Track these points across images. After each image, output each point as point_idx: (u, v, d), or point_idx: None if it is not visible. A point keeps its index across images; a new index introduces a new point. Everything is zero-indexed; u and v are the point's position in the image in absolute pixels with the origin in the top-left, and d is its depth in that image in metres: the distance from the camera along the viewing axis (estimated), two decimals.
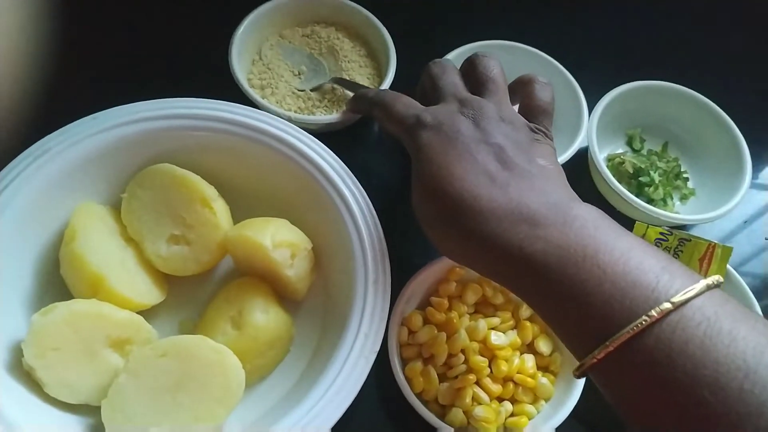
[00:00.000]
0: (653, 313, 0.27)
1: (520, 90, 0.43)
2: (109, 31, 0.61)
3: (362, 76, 0.58)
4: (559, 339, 0.33)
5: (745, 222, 0.62)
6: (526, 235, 0.32)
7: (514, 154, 0.37)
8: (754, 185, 0.63)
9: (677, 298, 0.27)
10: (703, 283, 0.28)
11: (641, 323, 0.27)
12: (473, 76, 0.43)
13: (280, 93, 0.55)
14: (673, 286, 0.28)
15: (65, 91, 0.55)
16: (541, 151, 0.39)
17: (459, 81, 0.43)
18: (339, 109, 0.55)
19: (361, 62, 0.59)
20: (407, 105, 0.42)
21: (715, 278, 0.28)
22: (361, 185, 0.45)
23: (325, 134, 0.50)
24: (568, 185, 0.38)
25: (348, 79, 0.57)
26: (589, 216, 0.33)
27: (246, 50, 0.56)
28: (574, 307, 0.30)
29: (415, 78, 0.48)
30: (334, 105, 0.56)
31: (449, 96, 0.42)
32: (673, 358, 0.26)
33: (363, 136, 0.60)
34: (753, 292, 0.51)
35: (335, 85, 0.56)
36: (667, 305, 0.27)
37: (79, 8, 0.60)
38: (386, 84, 0.55)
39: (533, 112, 0.42)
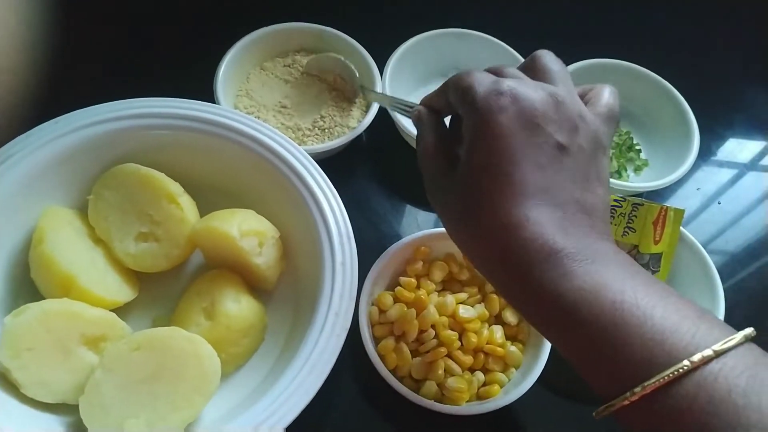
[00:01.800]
0: (695, 358, 0.26)
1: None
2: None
3: (348, 100, 0.59)
4: (583, 377, 0.31)
5: (698, 189, 0.65)
6: (564, 272, 0.30)
7: (586, 167, 0.33)
8: (704, 157, 0.67)
9: (718, 347, 0.27)
10: (741, 334, 0.28)
11: (682, 368, 0.26)
12: (533, 69, 0.37)
13: (270, 124, 0.56)
14: (712, 335, 0.27)
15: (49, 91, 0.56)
16: (603, 165, 0.35)
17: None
18: (329, 137, 0.56)
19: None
20: (481, 75, 0.35)
21: (749, 330, 0.28)
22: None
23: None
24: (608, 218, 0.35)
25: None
26: (625, 259, 0.32)
27: (230, 86, 0.57)
28: (610, 347, 0.29)
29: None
30: (325, 134, 0.57)
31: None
32: (716, 404, 0.26)
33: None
34: (708, 254, 0.53)
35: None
36: (708, 352, 0.27)
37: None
38: (374, 107, 0.57)
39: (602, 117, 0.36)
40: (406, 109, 0.46)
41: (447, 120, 0.40)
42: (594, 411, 0.31)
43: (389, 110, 0.57)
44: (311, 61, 0.61)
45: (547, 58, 0.37)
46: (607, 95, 0.37)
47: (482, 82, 0.33)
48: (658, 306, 0.28)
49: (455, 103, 0.35)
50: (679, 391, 0.27)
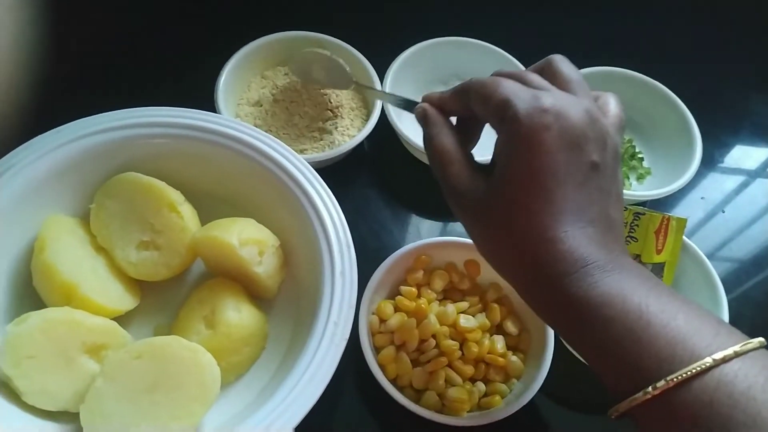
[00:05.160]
0: (717, 356, 0.28)
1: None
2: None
3: (350, 108, 0.60)
4: (601, 376, 0.32)
5: (702, 198, 0.65)
6: (594, 281, 0.32)
7: (611, 183, 0.35)
8: (708, 165, 0.66)
9: (738, 348, 0.28)
10: (757, 340, 0.29)
11: (704, 365, 0.28)
12: (552, 75, 0.36)
13: (275, 134, 0.57)
14: (732, 338, 0.29)
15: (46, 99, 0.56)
16: (620, 179, 0.36)
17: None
18: (329, 146, 0.57)
19: (346, 94, 0.61)
20: (515, 86, 0.35)
21: (763, 339, 0.30)
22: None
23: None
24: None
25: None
26: (647, 272, 0.33)
27: (231, 95, 0.58)
28: (635, 345, 0.30)
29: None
30: (326, 143, 0.57)
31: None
32: (736, 399, 0.27)
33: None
34: (713, 263, 0.53)
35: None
36: (729, 352, 0.28)
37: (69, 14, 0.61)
38: (375, 114, 0.57)
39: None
40: (407, 105, 0.46)
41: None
42: (598, 419, 0.31)
43: (390, 118, 0.57)
44: (293, 66, 0.59)
45: (565, 64, 0.37)
46: (614, 104, 0.37)
47: (520, 96, 0.33)
48: (681, 311, 0.30)
49: (485, 114, 0.35)
50: (700, 386, 0.28)
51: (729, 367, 0.28)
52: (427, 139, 0.39)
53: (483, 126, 0.40)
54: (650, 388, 0.29)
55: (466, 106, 0.37)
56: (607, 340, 0.31)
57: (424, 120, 0.39)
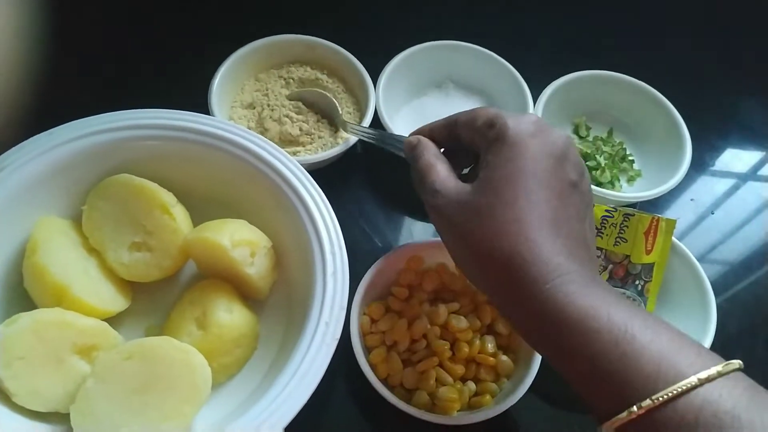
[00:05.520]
0: (702, 375, 0.28)
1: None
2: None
3: (344, 111, 0.60)
4: (583, 394, 0.32)
5: (692, 200, 0.65)
6: (574, 290, 0.32)
7: (586, 209, 0.37)
8: (698, 168, 0.67)
9: (721, 368, 0.29)
10: (736, 362, 0.30)
11: (690, 384, 0.28)
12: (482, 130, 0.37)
13: (268, 136, 0.57)
14: (713, 359, 0.30)
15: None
16: (593, 216, 0.39)
17: None
18: (322, 148, 0.57)
19: (341, 97, 0.61)
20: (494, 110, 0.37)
21: (740, 362, 0.30)
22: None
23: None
24: None
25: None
26: (622, 295, 0.36)
27: (224, 97, 0.58)
28: (619, 362, 0.30)
29: None
30: (318, 145, 0.58)
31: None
32: (721, 417, 0.27)
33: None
34: (702, 265, 0.53)
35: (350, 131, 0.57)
36: (713, 372, 0.28)
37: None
38: (368, 117, 0.57)
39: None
40: (394, 143, 0.46)
41: None
42: (585, 417, 0.31)
43: (383, 120, 0.57)
44: (293, 94, 0.61)
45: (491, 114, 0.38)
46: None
47: (508, 113, 0.36)
48: (664, 330, 0.31)
49: (473, 134, 0.37)
50: (686, 405, 0.28)
51: (713, 387, 0.28)
52: (413, 159, 0.40)
53: (470, 156, 0.41)
54: (635, 408, 0.29)
55: (454, 134, 0.39)
56: (590, 354, 0.31)
57: (414, 149, 0.40)
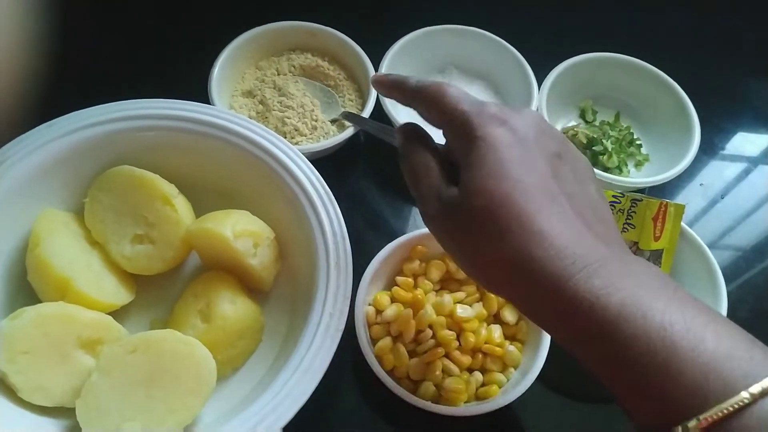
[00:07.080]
0: (754, 390, 0.25)
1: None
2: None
3: (346, 98, 0.59)
4: (620, 401, 0.29)
5: (701, 185, 0.64)
6: (602, 284, 0.28)
7: (585, 171, 0.35)
8: (708, 152, 0.66)
9: None
10: None
11: (742, 401, 0.25)
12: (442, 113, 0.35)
13: (270, 125, 0.56)
14: (767, 364, 0.26)
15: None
16: (593, 176, 0.36)
17: None
18: (324, 137, 0.56)
19: (342, 84, 0.61)
20: (462, 93, 0.34)
21: None
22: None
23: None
24: None
25: (358, 114, 0.57)
26: (659, 272, 0.30)
27: (225, 86, 0.57)
28: (658, 373, 0.27)
29: None
30: (320, 133, 0.57)
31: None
32: None
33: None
34: (713, 250, 0.52)
35: (346, 121, 0.57)
36: (767, 384, 0.25)
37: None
38: (370, 103, 0.57)
39: None
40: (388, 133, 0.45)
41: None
42: (595, 407, 0.29)
43: (385, 108, 0.57)
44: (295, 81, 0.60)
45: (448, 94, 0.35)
46: None
47: (470, 106, 0.33)
48: (707, 328, 0.27)
49: (438, 117, 0.35)
50: (738, 425, 0.25)
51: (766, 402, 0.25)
52: (401, 158, 0.37)
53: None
54: (680, 428, 0.26)
55: (408, 102, 0.37)
56: (626, 362, 0.27)
57: (402, 144, 0.38)
